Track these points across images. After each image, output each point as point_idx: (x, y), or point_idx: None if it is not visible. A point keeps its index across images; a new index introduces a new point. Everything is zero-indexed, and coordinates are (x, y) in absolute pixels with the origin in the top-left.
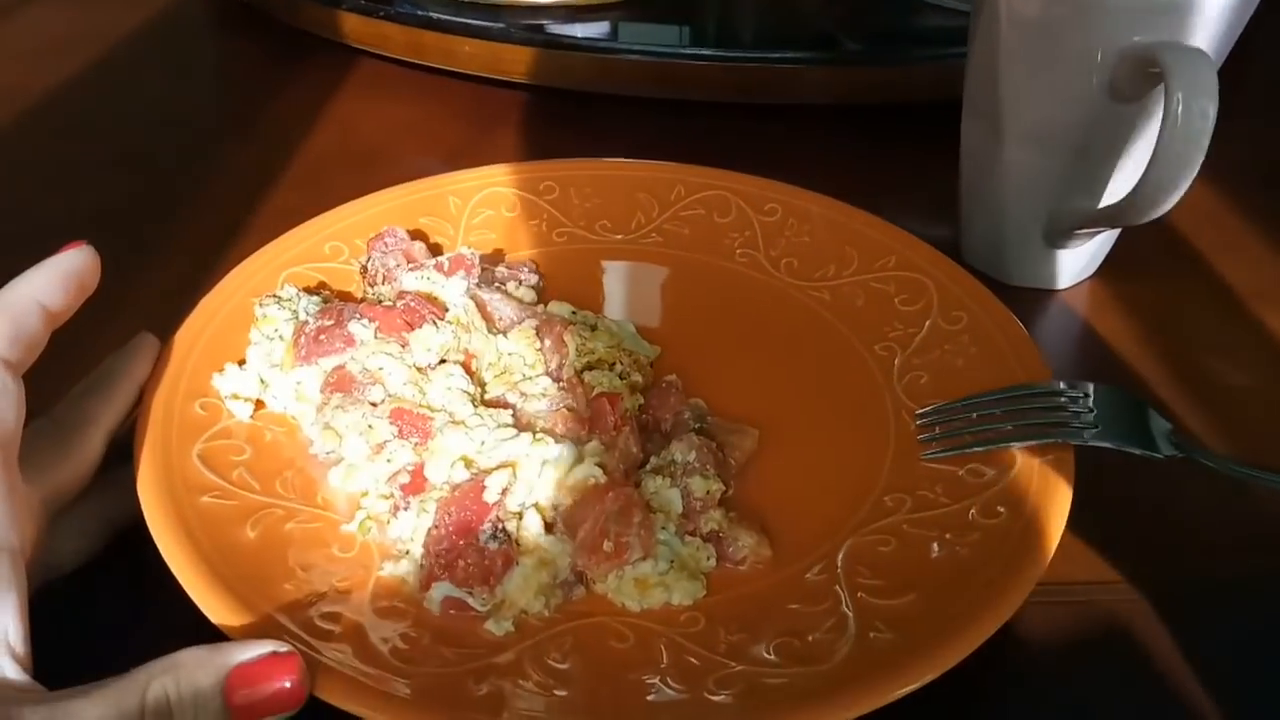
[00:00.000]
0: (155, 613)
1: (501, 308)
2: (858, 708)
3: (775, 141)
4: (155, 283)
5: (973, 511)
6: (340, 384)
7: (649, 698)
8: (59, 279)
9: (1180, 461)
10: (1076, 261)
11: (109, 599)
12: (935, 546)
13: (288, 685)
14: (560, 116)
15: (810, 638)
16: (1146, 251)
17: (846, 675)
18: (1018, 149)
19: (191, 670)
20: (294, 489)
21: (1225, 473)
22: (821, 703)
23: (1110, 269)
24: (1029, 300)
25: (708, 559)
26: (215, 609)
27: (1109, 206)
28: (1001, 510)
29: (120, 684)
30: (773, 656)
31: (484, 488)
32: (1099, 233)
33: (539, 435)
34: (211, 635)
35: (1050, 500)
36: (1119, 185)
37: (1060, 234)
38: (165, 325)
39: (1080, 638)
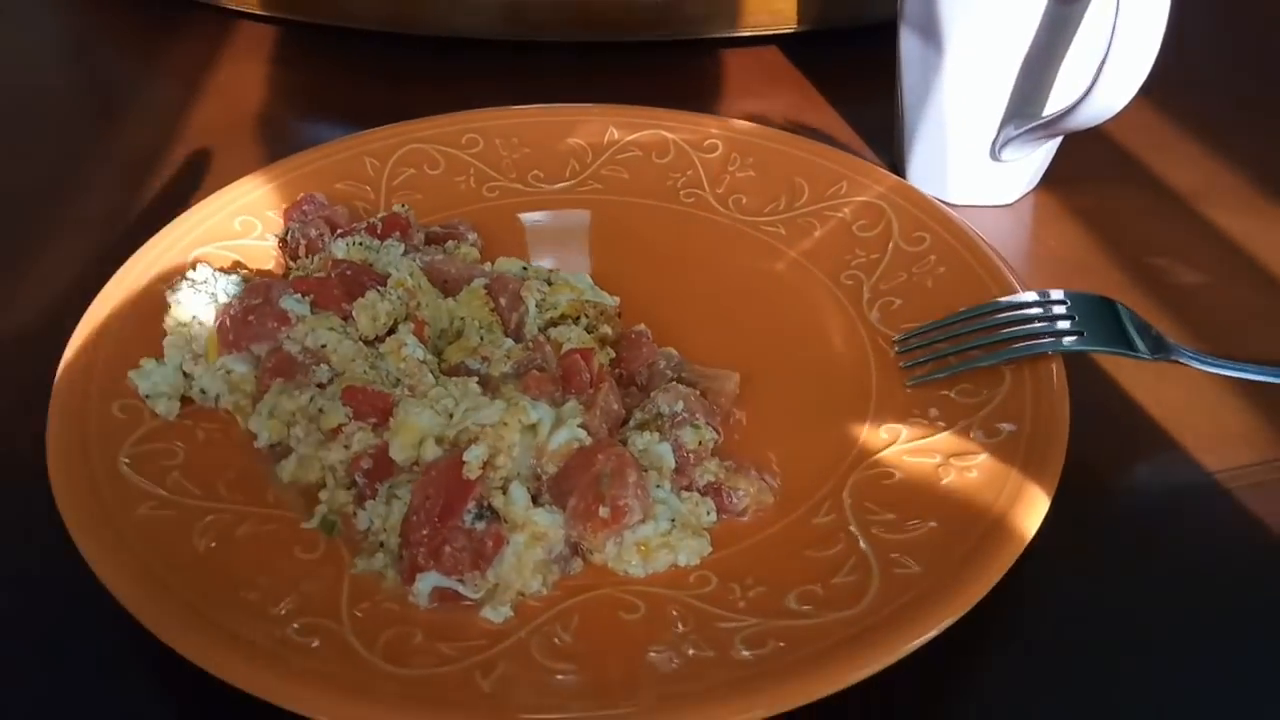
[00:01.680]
0: (103, 656)
1: (445, 268)
2: (906, 642)
3: (690, 76)
4: (41, 278)
5: (974, 431)
6: (279, 368)
7: (674, 665)
8: None
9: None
10: (1020, 175)
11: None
12: (942, 472)
13: None
14: (465, 68)
15: (834, 581)
16: (1085, 161)
17: (885, 613)
18: (960, 59)
19: None
20: (239, 489)
21: (1206, 370)
22: (868, 644)
23: (1051, 182)
24: (975, 217)
25: (708, 513)
26: (175, 635)
27: (1056, 113)
28: (1003, 427)
29: None
30: (799, 606)
31: (462, 463)
32: (1044, 142)
33: (513, 399)
34: (173, 664)
35: (1052, 410)
36: (1065, 91)
37: (1005, 145)
38: (58, 327)
39: (1105, 540)
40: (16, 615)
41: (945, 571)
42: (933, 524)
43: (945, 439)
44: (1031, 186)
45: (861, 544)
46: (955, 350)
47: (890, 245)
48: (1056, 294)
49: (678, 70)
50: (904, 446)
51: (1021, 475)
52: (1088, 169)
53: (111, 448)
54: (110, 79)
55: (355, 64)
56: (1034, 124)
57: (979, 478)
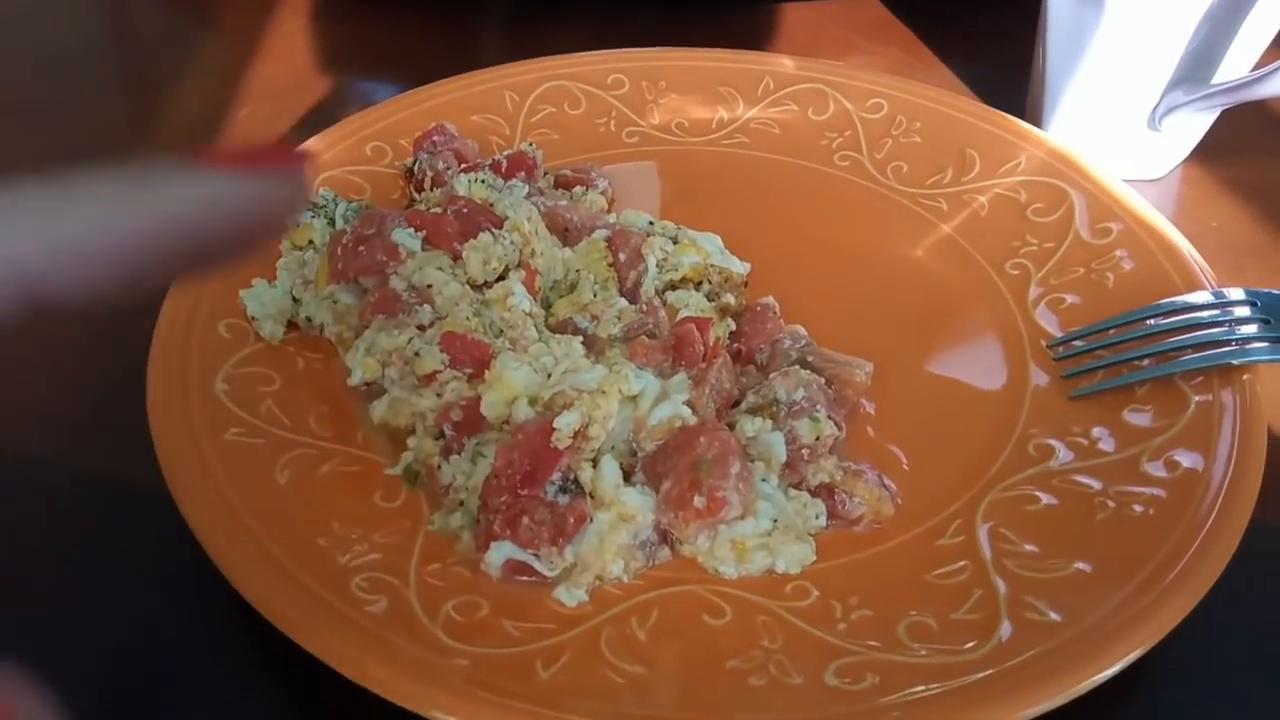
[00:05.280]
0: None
1: (567, 215)
2: (1021, 708)
3: (785, 28)
4: None
5: (1144, 462)
6: (382, 304)
7: (752, 682)
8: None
9: None
10: (1175, 148)
11: (102, 558)
12: (1100, 505)
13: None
14: (539, 26)
15: (953, 617)
16: (1241, 131)
17: (1007, 665)
18: (1123, 13)
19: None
20: (330, 425)
21: None
22: (982, 699)
23: (1204, 153)
24: None
25: (817, 517)
26: (234, 567)
27: (1246, 78)
28: (1182, 461)
29: None
30: (907, 640)
31: (552, 430)
32: (1214, 112)
33: (615, 365)
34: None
35: (1245, 444)
36: (1242, 55)
37: (1168, 114)
38: None
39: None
40: (99, 522)
41: (1090, 627)
42: (1081, 566)
43: (1109, 466)
44: (1180, 159)
45: (993, 578)
46: (1124, 359)
47: (1069, 234)
48: (1236, 292)
49: (770, 22)
50: (1055, 468)
51: (1201, 524)
52: (1243, 139)
53: (211, 367)
54: (164, 36)
55: (414, 21)
56: (1209, 91)
57: (1147, 518)
